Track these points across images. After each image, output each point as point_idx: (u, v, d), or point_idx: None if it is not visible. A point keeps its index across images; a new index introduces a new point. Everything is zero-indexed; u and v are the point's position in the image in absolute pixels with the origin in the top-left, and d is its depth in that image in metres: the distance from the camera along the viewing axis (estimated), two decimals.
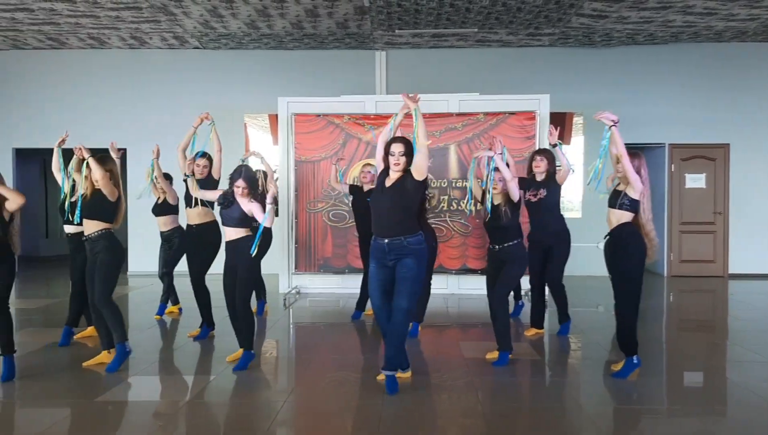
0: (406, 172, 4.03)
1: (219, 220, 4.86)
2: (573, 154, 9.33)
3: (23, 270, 10.20)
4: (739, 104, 9.48)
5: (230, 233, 4.54)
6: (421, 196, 4.26)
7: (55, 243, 12.77)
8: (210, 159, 5.61)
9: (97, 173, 4.44)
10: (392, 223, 3.99)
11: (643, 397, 4.04)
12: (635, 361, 4.31)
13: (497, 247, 4.67)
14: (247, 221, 4.55)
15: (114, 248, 4.52)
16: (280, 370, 4.75)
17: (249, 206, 4.48)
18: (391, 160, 4.03)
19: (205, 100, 9.70)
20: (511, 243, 4.65)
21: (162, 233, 6.30)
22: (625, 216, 4.25)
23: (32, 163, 12.03)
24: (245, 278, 4.52)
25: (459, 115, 7.62)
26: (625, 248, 4.21)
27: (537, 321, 5.56)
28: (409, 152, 4.04)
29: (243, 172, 4.52)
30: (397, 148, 4.04)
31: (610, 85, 9.54)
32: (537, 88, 8.67)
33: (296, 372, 4.66)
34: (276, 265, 7.68)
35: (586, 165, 9.25)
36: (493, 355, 4.69)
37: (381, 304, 4.09)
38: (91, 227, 4.52)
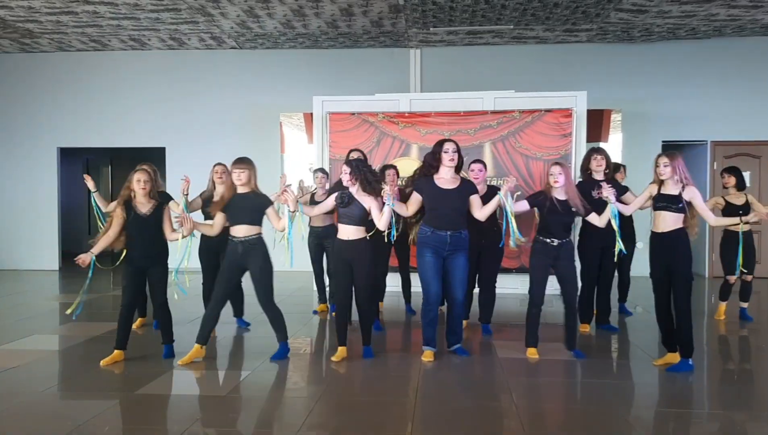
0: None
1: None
2: (611, 152, 9.16)
3: (67, 266, 10.51)
4: None
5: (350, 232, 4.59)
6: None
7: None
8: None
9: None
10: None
11: (683, 400, 3.95)
12: (690, 363, 4.39)
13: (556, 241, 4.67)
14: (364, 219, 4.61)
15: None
16: (314, 366, 4.79)
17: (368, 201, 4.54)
18: (446, 157, 4.56)
19: (242, 100, 9.87)
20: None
21: None
22: (681, 219, 4.38)
23: (76, 162, 12.37)
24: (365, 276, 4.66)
25: (494, 112, 7.55)
26: (682, 249, 4.36)
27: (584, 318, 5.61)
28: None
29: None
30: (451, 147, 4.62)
31: (649, 81, 9.33)
32: (574, 85, 8.54)
33: (330, 367, 4.69)
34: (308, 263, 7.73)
35: (625, 163, 9.05)
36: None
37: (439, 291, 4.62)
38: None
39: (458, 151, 4.61)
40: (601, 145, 8.97)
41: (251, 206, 4.55)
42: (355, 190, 4.53)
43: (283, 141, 9.45)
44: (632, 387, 4.28)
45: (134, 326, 5.49)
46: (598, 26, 8.64)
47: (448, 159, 4.53)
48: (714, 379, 4.53)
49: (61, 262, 10.32)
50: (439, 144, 4.60)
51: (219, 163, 5.54)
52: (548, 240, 4.65)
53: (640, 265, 6.58)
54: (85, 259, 4.44)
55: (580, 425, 3.56)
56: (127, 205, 4.54)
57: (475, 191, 4.67)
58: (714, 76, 9.28)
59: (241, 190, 4.58)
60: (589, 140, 7.72)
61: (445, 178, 4.58)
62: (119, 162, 13.02)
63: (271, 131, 9.54)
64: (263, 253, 4.58)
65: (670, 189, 4.42)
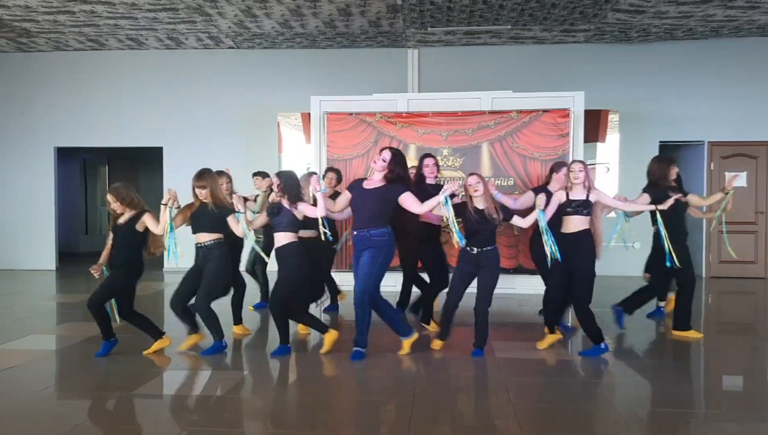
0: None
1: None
2: (608, 152, 9.19)
3: (63, 265, 10.49)
4: None
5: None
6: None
7: (93, 239, 13.10)
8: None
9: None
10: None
11: (680, 400, 3.95)
12: (603, 347, 4.78)
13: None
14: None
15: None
16: (312, 366, 4.79)
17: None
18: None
19: (239, 99, 9.86)
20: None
21: None
22: (587, 221, 4.74)
23: (73, 162, 12.36)
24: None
25: (491, 113, 7.56)
26: (586, 248, 4.72)
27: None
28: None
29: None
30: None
31: (646, 81, 9.36)
32: (571, 85, 8.55)
33: (328, 368, 4.69)
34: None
35: (621, 164, 9.09)
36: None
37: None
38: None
39: (393, 161, 4.62)
40: (599, 145, 9.01)
41: (211, 215, 4.78)
42: (285, 202, 4.75)
43: (280, 141, 9.44)
44: (629, 386, 4.28)
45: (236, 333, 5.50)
46: (595, 27, 8.66)
47: (378, 162, 4.67)
48: (710, 379, 4.54)
49: (58, 262, 10.30)
50: (379, 153, 4.74)
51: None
52: (468, 248, 4.75)
53: (636, 266, 6.60)
54: (96, 269, 4.79)
55: (577, 425, 3.56)
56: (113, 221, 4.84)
57: (402, 192, 4.61)
58: (711, 76, 9.31)
59: (205, 200, 4.81)
60: (586, 140, 7.73)
61: (373, 179, 4.74)
62: (117, 162, 13.02)
63: (269, 131, 9.54)
64: (218, 257, 4.80)
65: (578, 194, 4.72)
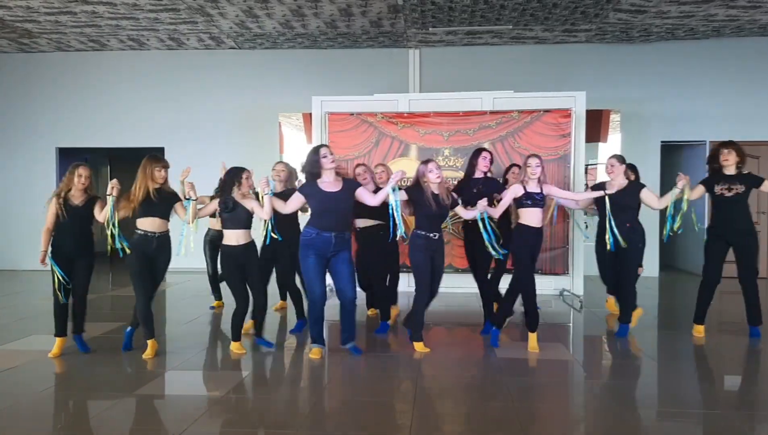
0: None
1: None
2: (610, 152, 9.17)
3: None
4: None
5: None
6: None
7: (95, 239, 13.09)
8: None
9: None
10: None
11: (681, 401, 3.95)
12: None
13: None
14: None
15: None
16: (314, 366, 4.79)
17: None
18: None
19: (241, 100, 9.87)
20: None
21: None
22: (542, 213, 4.96)
23: (74, 162, 12.36)
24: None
25: (493, 113, 7.56)
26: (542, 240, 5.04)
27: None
28: None
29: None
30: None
31: (648, 81, 9.34)
32: (573, 85, 8.55)
33: (329, 368, 4.69)
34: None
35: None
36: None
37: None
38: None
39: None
40: (600, 145, 9.00)
41: (164, 200, 4.76)
42: (238, 195, 4.77)
43: (281, 141, 9.44)
44: (631, 387, 4.27)
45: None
46: (597, 26, 8.65)
47: (328, 162, 4.65)
48: (710, 379, 4.53)
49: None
50: (315, 151, 4.71)
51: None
52: (431, 234, 4.85)
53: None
54: (41, 258, 4.73)
55: (579, 426, 3.56)
56: (63, 199, 4.77)
57: (357, 187, 4.81)
58: (713, 76, 9.29)
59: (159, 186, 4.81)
60: (588, 140, 7.73)
61: (329, 181, 4.69)
62: (118, 162, 13.02)
63: (270, 131, 9.54)
64: (171, 247, 4.83)
65: (534, 187, 4.89)
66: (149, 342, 4.77)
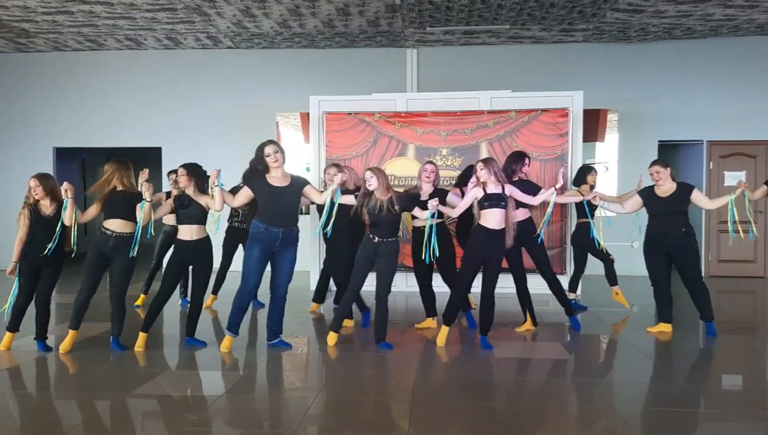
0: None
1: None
2: (607, 151, 9.19)
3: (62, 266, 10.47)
4: None
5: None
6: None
7: (93, 239, 13.07)
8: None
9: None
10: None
11: (679, 399, 3.95)
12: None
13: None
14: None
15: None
16: (311, 365, 4.79)
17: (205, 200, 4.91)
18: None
19: (238, 99, 9.86)
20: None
21: None
22: (504, 214, 4.94)
23: (72, 162, 12.34)
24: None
25: (490, 112, 7.56)
26: (504, 243, 5.00)
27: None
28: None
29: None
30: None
31: (645, 81, 9.35)
32: (570, 84, 8.55)
33: (326, 368, 4.69)
34: (307, 262, 7.73)
35: (621, 163, 9.09)
36: None
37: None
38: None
39: (281, 150, 4.81)
40: (598, 144, 9.01)
41: (127, 203, 4.82)
42: (191, 191, 4.90)
43: (279, 141, 9.43)
44: (628, 386, 4.28)
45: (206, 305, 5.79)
46: (594, 26, 8.66)
47: (272, 161, 4.72)
48: (709, 378, 4.54)
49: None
50: (260, 148, 4.78)
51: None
52: (371, 236, 4.94)
53: (634, 265, 6.60)
54: (11, 269, 4.82)
55: (577, 425, 3.56)
56: (32, 209, 4.87)
57: (306, 184, 4.90)
58: (710, 75, 9.30)
59: (119, 187, 4.87)
60: (585, 140, 7.74)
61: (277, 176, 4.78)
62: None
63: (268, 131, 9.51)
64: (129, 250, 4.82)
65: (493, 189, 4.89)
66: (71, 331, 4.87)
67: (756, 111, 9.25)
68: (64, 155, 10.76)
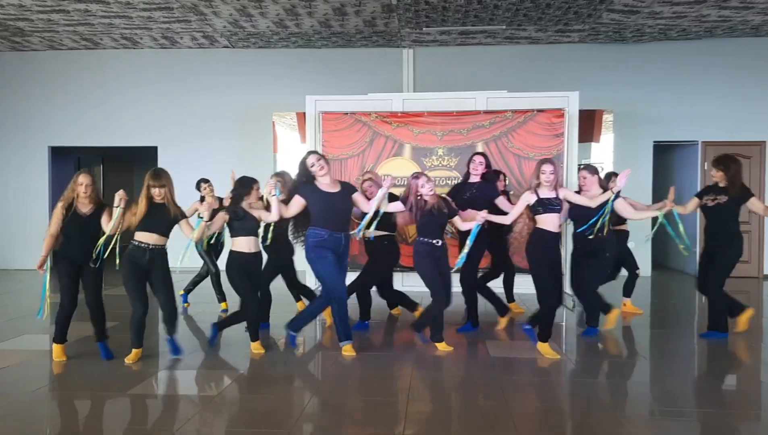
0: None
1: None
2: (603, 152, 9.21)
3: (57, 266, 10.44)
4: None
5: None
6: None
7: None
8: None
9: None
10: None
11: (673, 400, 3.97)
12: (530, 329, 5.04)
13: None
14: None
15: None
16: (307, 365, 4.79)
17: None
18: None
19: (234, 99, 9.85)
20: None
21: None
22: (559, 218, 4.90)
23: (67, 161, 12.30)
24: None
25: (486, 112, 7.56)
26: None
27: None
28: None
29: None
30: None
31: (641, 81, 9.39)
32: (566, 85, 8.56)
33: (322, 368, 4.69)
34: (304, 263, 7.72)
35: (616, 163, 9.11)
36: None
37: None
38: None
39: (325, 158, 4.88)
40: (593, 145, 9.03)
41: (168, 217, 4.62)
42: (246, 204, 4.86)
43: (275, 140, 9.43)
44: (624, 386, 4.30)
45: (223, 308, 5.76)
46: (590, 27, 8.68)
47: (318, 169, 4.77)
48: (704, 378, 4.56)
49: (51, 261, 10.23)
50: (302, 162, 4.84)
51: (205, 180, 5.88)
52: (433, 241, 4.89)
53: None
54: (40, 263, 4.70)
55: (572, 424, 3.58)
56: (69, 205, 4.69)
57: (355, 191, 4.96)
58: (705, 76, 9.34)
59: (160, 201, 4.62)
60: (581, 140, 7.75)
61: (326, 183, 4.83)
62: (111, 161, 12.98)
63: (264, 131, 9.52)
64: (166, 261, 4.70)
65: (548, 193, 4.82)
66: (134, 350, 4.67)
67: (751, 112, 9.29)
68: (59, 154, 10.73)
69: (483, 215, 4.89)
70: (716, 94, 9.33)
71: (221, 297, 6.68)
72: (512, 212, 5.02)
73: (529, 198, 4.83)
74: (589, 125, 8.70)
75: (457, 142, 7.54)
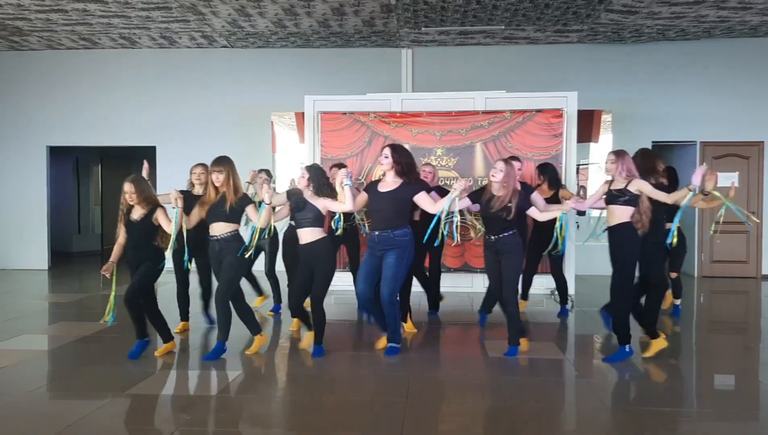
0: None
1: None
2: (601, 152, 9.21)
3: (56, 265, 10.45)
4: None
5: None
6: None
7: (86, 238, 13.05)
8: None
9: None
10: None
11: (672, 399, 3.98)
12: (627, 350, 4.60)
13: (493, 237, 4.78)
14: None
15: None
16: (306, 366, 4.79)
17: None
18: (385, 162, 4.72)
19: (233, 99, 9.84)
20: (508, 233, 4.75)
21: None
22: (628, 212, 4.52)
23: (65, 161, 12.31)
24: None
25: (485, 113, 7.57)
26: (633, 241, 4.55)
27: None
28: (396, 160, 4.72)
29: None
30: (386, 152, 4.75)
31: (639, 82, 9.39)
32: (564, 85, 8.58)
33: (321, 368, 4.69)
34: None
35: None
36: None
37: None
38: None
39: (395, 153, 4.70)
40: (592, 145, 9.04)
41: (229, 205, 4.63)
42: (308, 194, 4.74)
43: (274, 140, 9.43)
44: (621, 386, 4.30)
45: (176, 330, 5.50)
46: (588, 27, 8.69)
47: (379, 162, 4.79)
48: (701, 378, 4.57)
49: (50, 261, 10.25)
50: (381, 152, 4.82)
51: (199, 164, 5.55)
52: (488, 236, 4.81)
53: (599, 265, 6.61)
54: (106, 267, 4.65)
55: (571, 424, 3.58)
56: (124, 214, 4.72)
57: (419, 191, 4.71)
58: (703, 77, 9.35)
59: (220, 189, 4.65)
60: (579, 141, 7.76)
61: (387, 181, 4.77)
62: (109, 161, 12.97)
63: (263, 130, 9.52)
64: (237, 250, 4.67)
65: (618, 184, 4.61)
66: (256, 338, 4.87)
67: (749, 112, 9.30)
68: (57, 154, 10.72)
69: (570, 204, 4.70)
70: (714, 94, 9.34)
71: (258, 292, 6.62)
72: (589, 199, 4.90)
73: (604, 188, 4.68)
74: (587, 125, 8.71)
75: (455, 142, 7.54)
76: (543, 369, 4.59)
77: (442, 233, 4.87)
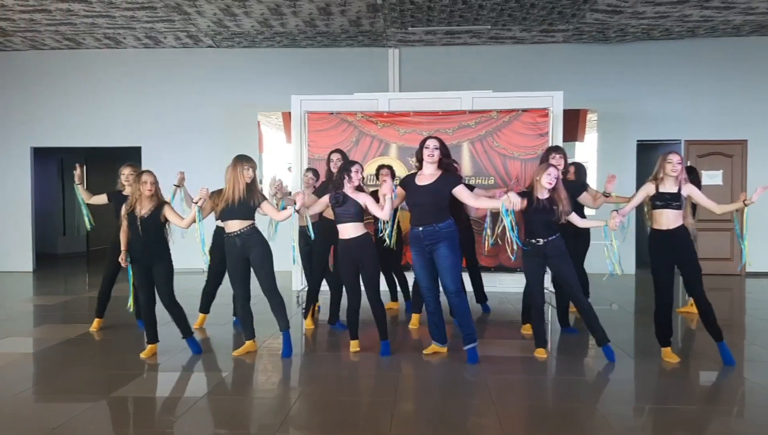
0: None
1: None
2: (587, 151, 9.29)
3: (41, 267, 10.34)
4: (758, 100, 9.37)
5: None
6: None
7: (71, 240, 12.93)
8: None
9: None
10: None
11: (659, 396, 4.01)
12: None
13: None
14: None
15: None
16: (294, 365, 4.78)
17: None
18: (426, 152, 4.57)
19: (219, 99, 9.80)
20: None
21: None
22: (681, 215, 4.54)
23: (50, 162, 12.18)
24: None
25: (472, 112, 7.59)
26: (688, 243, 4.60)
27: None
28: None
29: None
30: (432, 143, 4.60)
31: (624, 81, 9.47)
32: (550, 85, 8.62)
33: (310, 368, 4.68)
34: (289, 263, 7.69)
35: (600, 162, 9.20)
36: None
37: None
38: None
39: (441, 147, 4.62)
40: (577, 144, 9.10)
41: (245, 202, 4.64)
42: (349, 189, 4.68)
43: (261, 140, 9.40)
44: (609, 384, 4.33)
45: (91, 329, 5.54)
46: (574, 27, 8.74)
47: (427, 154, 4.57)
48: (687, 375, 4.61)
49: (35, 263, 10.15)
50: (422, 141, 4.68)
51: (129, 165, 5.61)
52: (533, 240, 4.69)
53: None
54: (123, 258, 4.78)
55: (558, 422, 3.60)
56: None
57: (457, 184, 4.60)
58: (688, 76, 9.44)
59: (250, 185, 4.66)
60: (565, 140, 7.80)
61: (425, 174, 4.63)
62: (94, 162, 12.84)
63: (249, 130, 9.49)
64: (261, 241, 4.68)
65: (670, 187, 4.52)
66: (247, 342, 4.84)
67: (733, 111, 9.40)
68: (42, 155, 10.61)
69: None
70: (699, 93, 9.44)
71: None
72: (630, 203, 4.78)
73: (649, 189, 4.57)
74: (573, 124, 8.77)
75: None
76: (531, 367, 4.61)
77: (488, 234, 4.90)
